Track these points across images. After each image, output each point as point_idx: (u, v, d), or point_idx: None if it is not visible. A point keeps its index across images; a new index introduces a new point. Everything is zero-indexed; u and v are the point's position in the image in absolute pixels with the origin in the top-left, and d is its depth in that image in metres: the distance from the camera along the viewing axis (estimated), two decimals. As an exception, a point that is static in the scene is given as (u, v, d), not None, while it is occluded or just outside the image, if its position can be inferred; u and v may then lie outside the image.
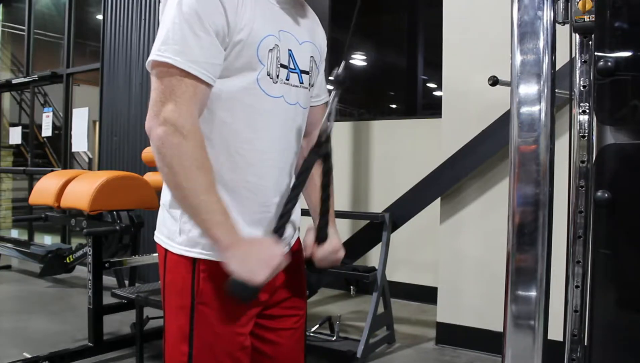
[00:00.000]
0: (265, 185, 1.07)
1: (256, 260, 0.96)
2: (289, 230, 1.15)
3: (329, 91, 1.19)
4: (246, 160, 1.04)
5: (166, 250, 1.06)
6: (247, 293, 0.97)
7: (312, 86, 1.18)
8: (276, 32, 1.05)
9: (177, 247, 1.04)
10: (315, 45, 1.17)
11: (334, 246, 1.18)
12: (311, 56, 1.15)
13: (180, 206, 0.99)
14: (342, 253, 1.20)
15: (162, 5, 1.00)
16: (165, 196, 1.09)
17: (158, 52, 0.95)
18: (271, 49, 1.03)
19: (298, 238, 1.23)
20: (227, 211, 0.97)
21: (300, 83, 1.11)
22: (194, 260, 1.03)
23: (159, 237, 1.09)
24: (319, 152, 1.12)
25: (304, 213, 1.25)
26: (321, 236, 1.16)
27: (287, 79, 1.07)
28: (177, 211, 1.05)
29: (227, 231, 0.96)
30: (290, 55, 1.08)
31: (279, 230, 1.05)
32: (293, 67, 1.09)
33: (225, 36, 0.97)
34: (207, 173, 0.95)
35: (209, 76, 0.96)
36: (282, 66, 1.06)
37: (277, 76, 1.05)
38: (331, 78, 1.09)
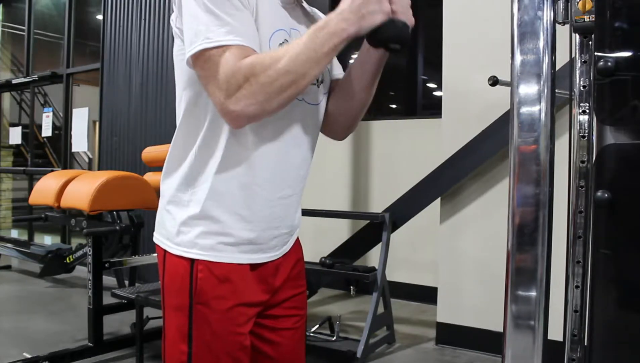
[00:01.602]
0: (276, 181, 1.07)
1: (368, 4, 0.93)
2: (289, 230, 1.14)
3: None
4: (255, 154, 1.03)
5: (165, 251, 1.06)
6: (398, 29, 0.95)
7: (322, 82, 1.16)
8: (287, 28, 1.06)
9: (175, 248, 1.04)
10: None
11: None
12: None
13: (314, 76, 0.94)
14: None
15: (177, 2, 1.00)
16: (164, 196, 1.08)
17: (207, 40, 0.92)
18: (281, 44, 1.03)
19: (297, 238, 1.23)
20: (311, 30, 0.94)
21: None
22: (192, 261, 1.03)
23: (158, 238, 1.09)
24: None
25: (304, 213, 1.25)
26: None
27: None
28: (176, 212, 1.05)
29: (335, 23, 0.93)
30: None
31: None
32: None
33: (251, 10, 0.98)
34: (281, 53, 0.92)
35: (256, 45, 0.96)
36: None
37: None
38: None
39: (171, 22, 1.06)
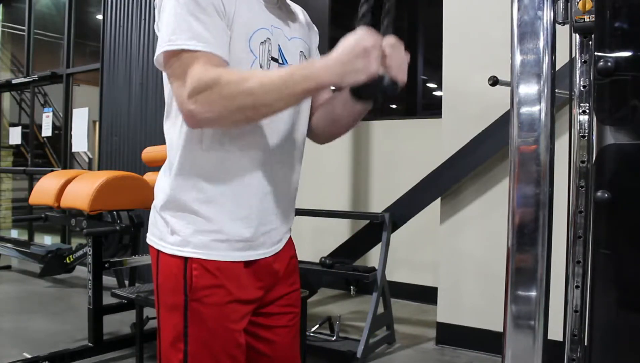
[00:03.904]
0: (258, 178, 1.07)
1: (355, 61, 0.90)
2: (284, 228, 1.14)
3: None
4: (241, 152, 1.04)
5: (158, 251, 1.07)
6: (383, 88, 0.94)
7: None
8: (269, 25, 1.07)
9: (168, 247, 1.05)
10: (304, 41, 1.19)
11: (397, 41, 1.01)
12: (301, 51, 1.16)
13: (278, 109, 0.94)
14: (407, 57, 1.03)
15: (157, 3, 1.01)
16: (157, 197, 1.09)
17: (169, 43, 0.94)
18: (263, 42, 1.05)
19: (290, 237, 1.23)
20: (294, 66, 0.95)
21: None
22: (185, 259, 1.03)
23: (151, 238, 1.10)
24: None
25: (304, 213, 1.25)
26: (386, 29, 1.03)
27: None
28: (169, 212, 1.06)
29: (316, 69, 0.92)
30: (280, 50, 1.09)
31: (363, 18, 0.97)
32: (282, 62, 1.10)
33: (223, 15, 0.98)
34: (254, 75, 0.93)
35: (222, 52, 0.97)
36: (273, 59, 1.07)
37: (268, 69, 1.05)
38: None
39: (155, 28, 1.07)
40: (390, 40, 0.97)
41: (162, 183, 1.08)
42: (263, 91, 0.90)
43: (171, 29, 0.95)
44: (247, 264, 1.08)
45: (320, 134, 1.23)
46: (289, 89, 0.91)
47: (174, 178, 1.05)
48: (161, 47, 0.95)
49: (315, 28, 1.27)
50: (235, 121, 0.94)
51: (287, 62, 1.11)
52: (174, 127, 1.06)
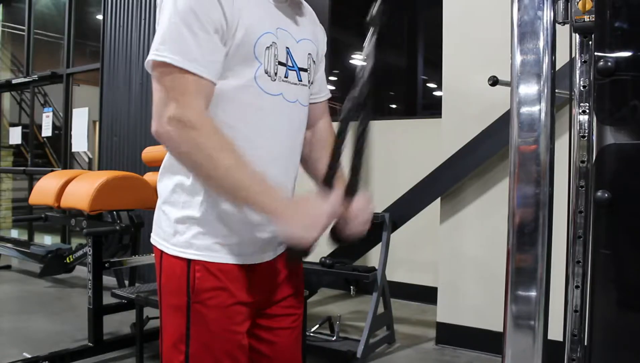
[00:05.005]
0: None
1: (303, 222, 0.96)
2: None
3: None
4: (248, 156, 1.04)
5: (162, 252, 1.07)
6: (297, 254, 1.00)
7: (312, 83, 1.17)
8: (274, 29, 1.05)
9: (171, 248, 1.04)
10: (313, 42, 1.17)
11: (367, 200, 1.09)
12: (309, 53, 1.15)
13: (217, 194, 0.99)
14: (373, 210, 1.12)
15: (158, 3, 1.00)
16: (161, 197, 1.09)
17: (156, 52, 0.93)
18: (268, 47, 1.03)
19: None
20: (264, 179, 0.96)
21: (299, 81, 1.11)
22: (188, 261, 1.03)
23: (155, 239, 1.10)
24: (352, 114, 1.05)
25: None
26: (352, 189, 1.07)
27: (286, 77, 1.07)
28: (172, 213, 1.05)
29: (269, 198, 0.96)
30: (288, 52, 1.08)
31: (328, 182, 1.03)
32: (291, 65, 1.08)
33: (224, 32, 0.96)
34: (231, 152, 0.94)
35: (210, 73, 0.95)
36: (280, 63, 1.06)
37: (276, 74, 1.04)
38: (367, 18, 1.06)
39: (156, 26, 1.06)
40: (360, 204, 1.07)
41: (167, 183, 1.08)
42: (222, 176, 0.93)
43: (161, 37, 0.94)
44: (250, 266, 1.07)
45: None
46: (238, 194, 0.95)
47: (180, 179, 1.05)
48: (150, 54, 0.95)
49: (324, 30, 1.25)
50: (184, 165, 0.98)
51: (296, 64, 1.09)
52: None
